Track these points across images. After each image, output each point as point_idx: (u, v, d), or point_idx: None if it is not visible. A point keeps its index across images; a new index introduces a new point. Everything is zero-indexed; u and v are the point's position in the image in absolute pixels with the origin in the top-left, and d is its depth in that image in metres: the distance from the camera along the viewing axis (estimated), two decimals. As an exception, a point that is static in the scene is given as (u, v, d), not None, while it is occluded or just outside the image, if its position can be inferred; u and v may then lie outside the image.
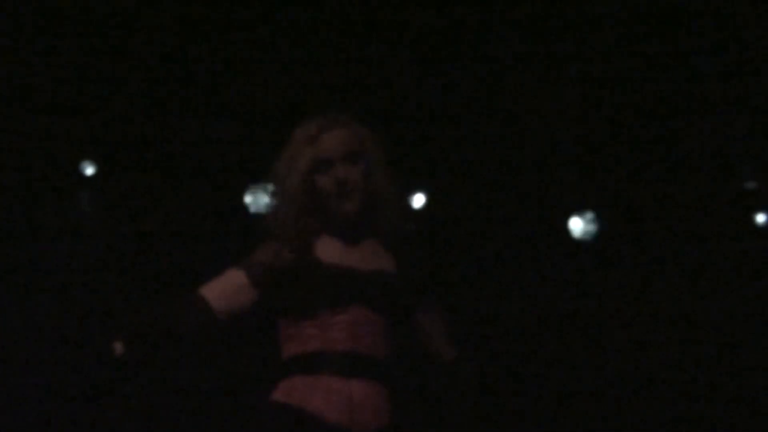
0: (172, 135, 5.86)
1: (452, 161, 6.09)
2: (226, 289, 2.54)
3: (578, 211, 6.29)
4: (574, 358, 6.09)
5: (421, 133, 5.84)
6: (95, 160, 6.01)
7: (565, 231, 6.27)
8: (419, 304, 2.65)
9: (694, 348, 5.96)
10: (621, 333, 6.11)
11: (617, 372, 6.07)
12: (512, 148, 6.11)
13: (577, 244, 6.29)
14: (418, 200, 6.18)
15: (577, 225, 6.26)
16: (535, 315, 6.14)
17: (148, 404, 5.49)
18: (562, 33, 5.50)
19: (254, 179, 5.84)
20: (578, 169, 6.25)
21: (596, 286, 6.24)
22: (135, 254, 6.04)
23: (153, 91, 5.65)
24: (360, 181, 2.58)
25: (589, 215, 6.26)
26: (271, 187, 2.69)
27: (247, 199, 5.96)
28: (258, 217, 5.71)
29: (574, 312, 6.16)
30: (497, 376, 5.56)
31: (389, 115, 5.50)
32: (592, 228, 6.26)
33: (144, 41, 5.36)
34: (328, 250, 2.60)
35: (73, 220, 6.09)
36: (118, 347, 2.44)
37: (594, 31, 5.50)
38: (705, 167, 5.98)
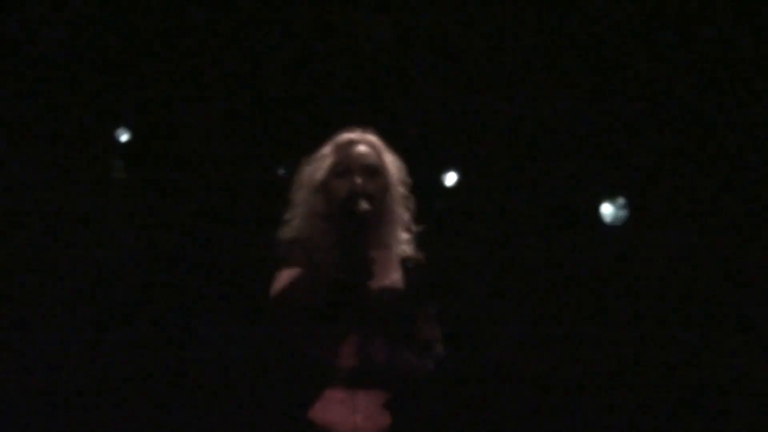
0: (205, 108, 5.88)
1: (485, 140, 6.07)
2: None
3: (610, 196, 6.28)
4: (600, 342, 6.09)
5: (454, 111, 5.83)
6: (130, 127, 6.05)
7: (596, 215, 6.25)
8: (420, 313, 2.73)
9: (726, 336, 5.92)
10: (649, 319, 6.09)
11: (642, 357, 6.07)
12: (545, 130, 6.09)
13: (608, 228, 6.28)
14: (451, 179, 6.19)
15: (608, 210, 6.24)
16: (562, 296, 6.15)
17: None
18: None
19: (288, 153, 5.87)
20: (610, 154, 6.22)
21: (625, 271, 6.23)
22: (169, 224, 6.12)
23: (188, 62, 5.66)
24: (375, 194, 2.68)
25: (621, 201, 6.23)
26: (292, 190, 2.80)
27: (281, 171, 5.99)
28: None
29: (599, 295, 6.15)
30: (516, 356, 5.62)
31: (421, 93, 5.51)
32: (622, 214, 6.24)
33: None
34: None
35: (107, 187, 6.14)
36: None
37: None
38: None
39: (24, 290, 5.72)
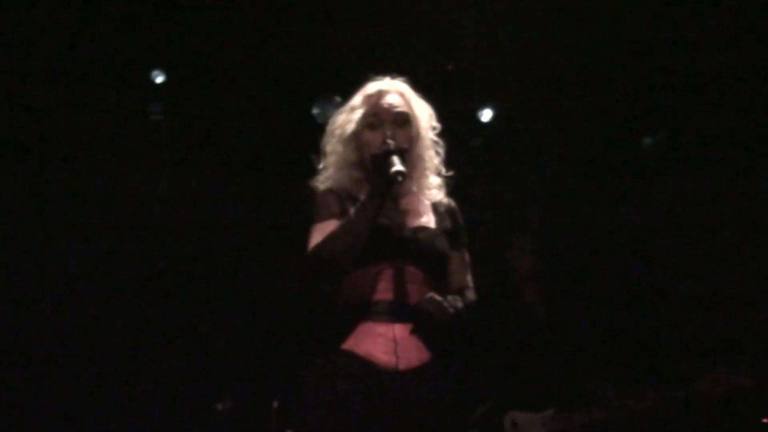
0: (241, 45, 5.85)
1: (521, 76, 6.01)
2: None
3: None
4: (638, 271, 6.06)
5: (490, 47, 5.77)
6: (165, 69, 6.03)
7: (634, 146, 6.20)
8: (452, 255, 2.86)
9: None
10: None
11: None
12: (582, 64, 6.01)
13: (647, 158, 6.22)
14: (487, 115, 6.16)
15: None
16: (598, 233, 6.13)
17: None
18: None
19: (323, 91, 5.85)
20: (648, 86, 6.13)
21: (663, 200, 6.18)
22: (204, 161, 6.15)
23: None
24: (405, 145, 2.77)
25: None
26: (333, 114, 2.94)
27: (315, 110, 5.97)
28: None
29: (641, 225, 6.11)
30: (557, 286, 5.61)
31: (458, 31, 5.45)
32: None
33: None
34: None
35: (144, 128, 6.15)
36: None
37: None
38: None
39: (62, 232, 5.80)
